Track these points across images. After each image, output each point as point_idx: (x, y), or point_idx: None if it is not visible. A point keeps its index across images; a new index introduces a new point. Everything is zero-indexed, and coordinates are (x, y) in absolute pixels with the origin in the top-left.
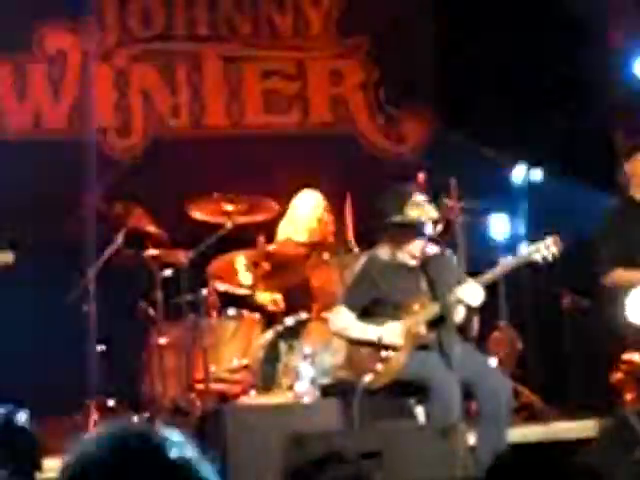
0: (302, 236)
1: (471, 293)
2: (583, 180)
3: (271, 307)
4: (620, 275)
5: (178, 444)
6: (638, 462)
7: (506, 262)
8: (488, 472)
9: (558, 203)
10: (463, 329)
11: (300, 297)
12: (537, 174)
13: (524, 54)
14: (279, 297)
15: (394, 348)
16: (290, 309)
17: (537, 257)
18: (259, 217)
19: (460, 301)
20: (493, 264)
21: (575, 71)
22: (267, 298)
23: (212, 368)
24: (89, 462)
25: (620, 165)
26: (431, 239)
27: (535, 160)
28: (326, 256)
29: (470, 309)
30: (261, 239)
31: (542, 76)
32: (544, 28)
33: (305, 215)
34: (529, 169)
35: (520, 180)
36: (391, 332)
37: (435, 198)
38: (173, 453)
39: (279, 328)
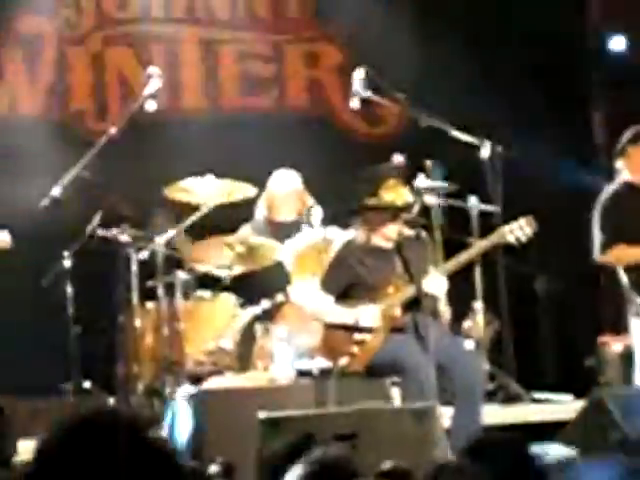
0: (278, 216)
1: (433, 284)
2: (557, 161)
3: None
4: (622, 251)
5: (151, 424)
6: (613, 443)
7: (480, 243)
8: (463, 453)
9: (532, 184)
10: (435, 314)
11: (275, 279)
12: (511, 155)
13: (497, 34)
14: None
15: (370, 331)
16: (266, 291)
17: (510, 238)
18: (236, 198)
19: (424, 293)
20: (467, 246)
21: (550, 50)
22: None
23: (188, 350)
24: (63, 441)
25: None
26: (406, 222)
27: (510, 141)
28: (302, 237)
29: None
30: (234, 215)
31: (517, 55)
32: (519, 5)
33: (281, 195)
34: (503, 150)
35: (494, 161)
36: (367, 315)
37: (410, 181)
38: (146, 433)
39: (255, 310)
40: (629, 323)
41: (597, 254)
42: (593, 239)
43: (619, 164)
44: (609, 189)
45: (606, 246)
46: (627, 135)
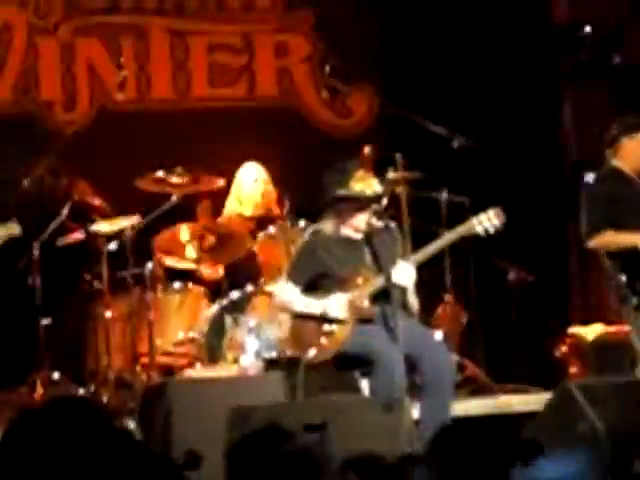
0: (248, 210)
1: (401, 274)
2: (526, 151)
3: (214, 276)
4: (611, 236)
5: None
6: (581, 434)
7: (449, 234)
8: (431, 444)
9: (501, 175)
10: (404, 305)
11: (246, 271)
12: (480, 146)
13: (467, 24)
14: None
15: (338, 322)
16: (236, 283)
17: (479, 229)
18: (204, 190)
19: (392, 283)
20: (436, 236)
21: (519, 41)
22: (211, 272)
23: (157, 341)
24: (28, 430)
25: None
26: (375, 213)
27: (479, 132)
28: (272, 230)
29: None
30: (203, 207)
31: (486, 45)
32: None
33: (249, 189)
34: (472, 141)
35: (463, 152)
36: (335, 306)
37: (380, 172)
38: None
39: (224, 302)
40: (623, 312)
41: (586, 240)
42: (581, 225)
43: (608, 152)
44: (597, 175)
45: (594, 231)
46: (619, 125)
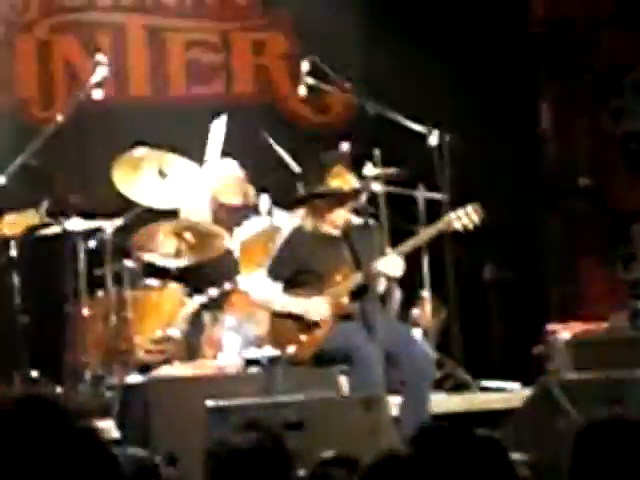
0: (224, 198)
1: (391, 265)
2: (504, 147)
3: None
4: None
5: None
6: (560, 430)
7: (427, 230)
8: (412, 442)
9: (480, 172)
10: (385, 300)
11: (224, 268)
12: (458, 143)
13: (445, 20)
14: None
15: (317, 319)
16: (214, 280)
17: (457, 225)
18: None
19: (380, 273)
20: (415, 233)
21: (497, 37)
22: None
23: (136, 339)
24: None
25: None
26: (354, 210)
27: (457, 129)
28: (250, 227)
29: (390, 280)
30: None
31: (464, 42)
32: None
33: (224, 178)
34: (451, 138)
35: (441, 149)
36: (314, 304)
37: (358, 168)
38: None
39: (203, 299)
40: None
41: None
42: None
43: None
44: None
45: None
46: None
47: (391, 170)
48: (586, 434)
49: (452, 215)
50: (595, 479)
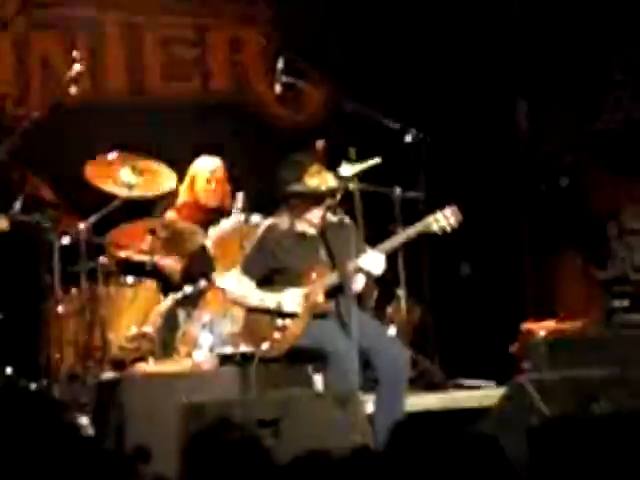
0: (202, 199)
1: (373, 262)
2: (481, 146)
3: (171, 270)
4: None
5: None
6: (533, 428)
7: (404, 232)
8: (388, 440)
9: (456, 170)
10: (361, 298)
11: (199, 265)
12: (434, 141)
13: (424, 18)
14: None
15: (292, 316)
16: (189, 277)
17: (435, 228)
18: (158, 183)
19: (362, 270)
20: (391, 233)
21: (476, 38)
22: (167, 262)
23: (110, 336)
24: None
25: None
26: (330, 208)
27: (431, 127)
28: (225, 224)
29: (369, 278)
30: (167, 213)
31: (442, 41)
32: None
33: (205, 178)
34: (427, 136)
35: (418, 147)
36: (290, 300)
37: (334, 166)
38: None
39: (178, 296)
40: None
41: None
42: None
43: None
44: None
45: None
46: None
47: (366, 166)
48: (540, 432)
49: (430, 218)
50: (551, 476)
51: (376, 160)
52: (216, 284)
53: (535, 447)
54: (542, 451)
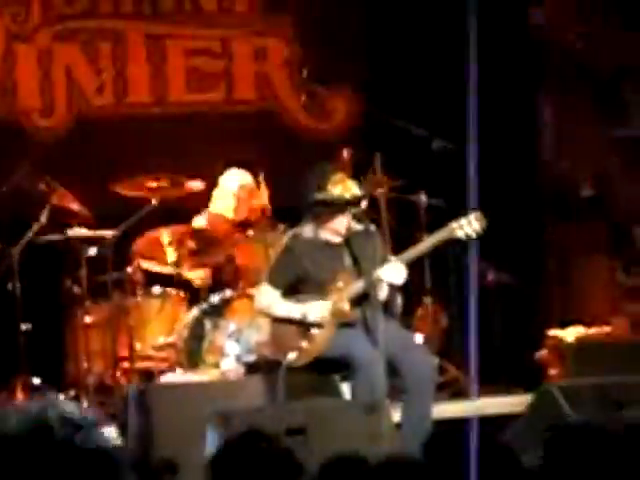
0: (229, 213)
1: (393, 272)
2: (503, 153)
3: (198, 282)
4: None
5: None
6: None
7: (429, 239)
8: (416, 448)
9: (480, 177)
10: (387, 306)
11: (225, 275)
12: (457, 148)
13: (446, 26)
14: (204, 273)
15: (319, 326)
16: (215, 287)
17: (460, 234)
18: (183, 194)
19: (382, 281)
20: (417, 241)
21: (497, 40)
22: (194, 275)
23: (137, 346)
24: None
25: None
26: (355, 216)
27: (456, 135)
28: (250, 233)
29: (393, 287)
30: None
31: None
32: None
33: (230, 194)
34: (450, 144)
35: (442, 155)
36: (316, 310)
37: (359, 175)
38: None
39: (204, 306)
40: None
41: None
42: None
43: None
44: None
45: None
46: None
47: (392, 176)
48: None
49: (455, 224)
50: None
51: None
52: (248, 292)
53: (549, 454)
54: (555, 458)
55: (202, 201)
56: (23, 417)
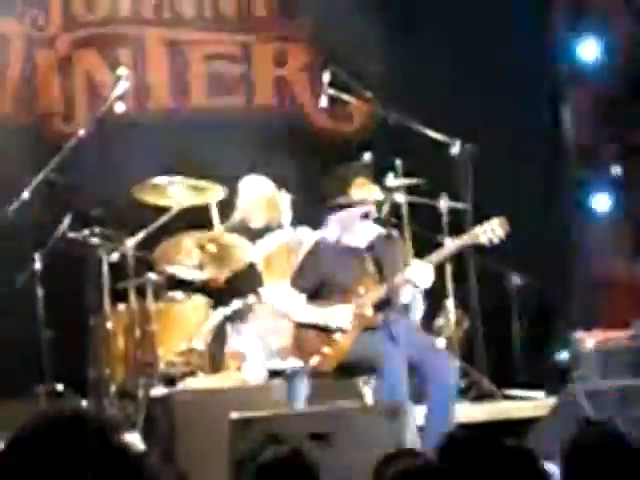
0: (251, 222)
1: (420, 274)
2: (526, 159)
3: (220, 288)
4: None
5: (120, 427)
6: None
7: (452, 243)
8: (436, 452)
9: (502, 182)
10: (410, 310)
11: (247, 280)
12: (481, 154)
13: (466, 32)
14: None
15: (341, 330)
16: (237, 292)
17: (483, 239)
18: (205, 200)
19: (409, 282)
20: (439, 245)
21: (513, 52)
22: (215, 280)
23: (160, 352)
24: (29, 443)
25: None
26: (377, 220)
27: (480, 139)
28: (273, 239)
29: (417, 290)
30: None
31: (487, 53)
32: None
33: (251, 202)
34: (473, 148)
35: (464, 159)
36: (338, 314)
37: (380, 179)
38: (112, 436)
39: (226, 311)
40: None
41: None
42: None
43: None
44: None
45: None
46: None
47: (413, 181)
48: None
49: (478, 229)
50: None
51: (421, 180)
52: (264, 298)
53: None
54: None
55: (223, 207)
56: (50, 421)
